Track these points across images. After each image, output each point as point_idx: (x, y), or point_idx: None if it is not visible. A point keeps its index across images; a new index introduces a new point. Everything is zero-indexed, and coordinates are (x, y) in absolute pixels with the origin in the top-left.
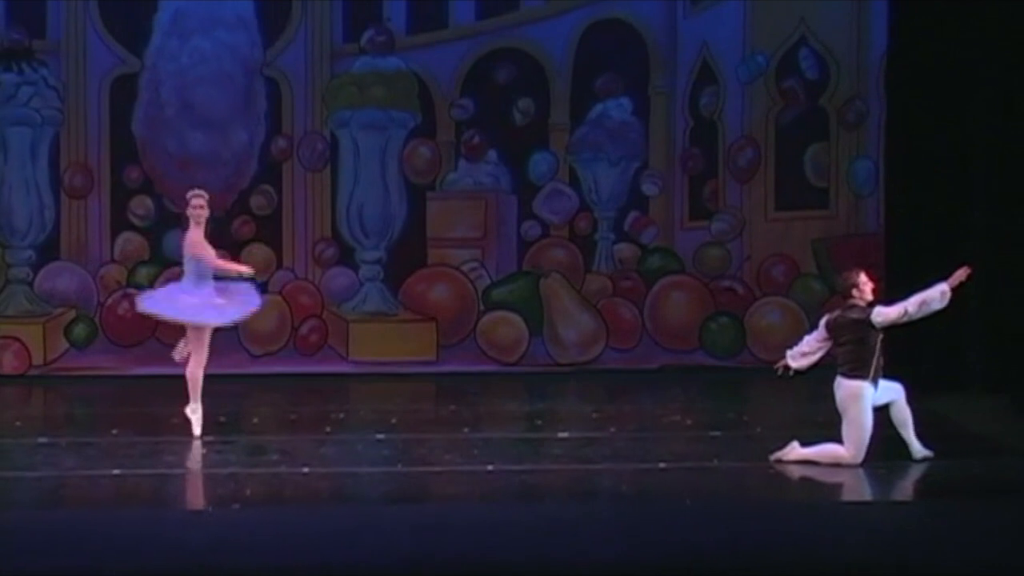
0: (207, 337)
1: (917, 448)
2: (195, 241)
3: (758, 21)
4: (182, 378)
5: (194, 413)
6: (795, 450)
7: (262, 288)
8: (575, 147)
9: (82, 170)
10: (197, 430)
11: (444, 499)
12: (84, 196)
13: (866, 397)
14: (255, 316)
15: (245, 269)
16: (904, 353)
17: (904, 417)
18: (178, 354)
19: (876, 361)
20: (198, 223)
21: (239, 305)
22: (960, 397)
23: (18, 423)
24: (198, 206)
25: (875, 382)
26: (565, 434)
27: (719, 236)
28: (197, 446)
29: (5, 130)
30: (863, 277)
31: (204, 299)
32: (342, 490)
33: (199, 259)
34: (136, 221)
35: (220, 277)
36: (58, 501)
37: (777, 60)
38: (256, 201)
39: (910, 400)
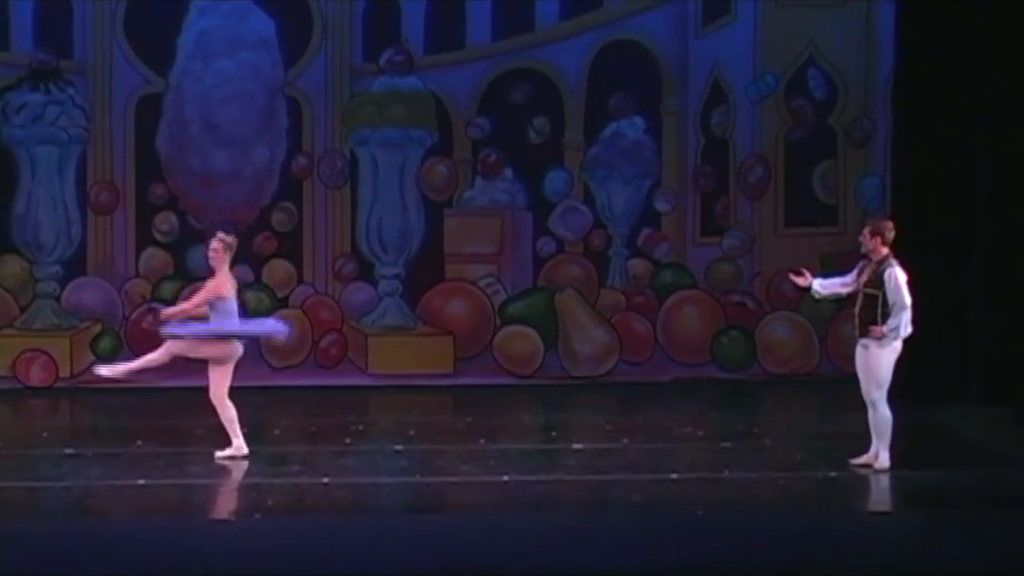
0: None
1: (864, 459)
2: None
3: (768, 42)
4: (205, 390)
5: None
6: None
7: (283, 303)
8: (589, 165)
9: (108, 187)
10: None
11: (461, 509)
12: (110, 212)
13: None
14: None
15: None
16: (908, 364)
17: (872, 422)
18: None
19: (854, 319)
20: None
21: (264, 327)
22: (962, 408)
23: (45, 434)
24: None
25: (859, 338)
26: (579, 445)
27: (730, 252)
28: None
29: (33, 148)
30: (864, 232)
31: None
32: (361, 500)
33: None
34: (160, 237)
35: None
36: (84, 511)
37: (786, 80)
38: (277, 217)
39: (896, 410)
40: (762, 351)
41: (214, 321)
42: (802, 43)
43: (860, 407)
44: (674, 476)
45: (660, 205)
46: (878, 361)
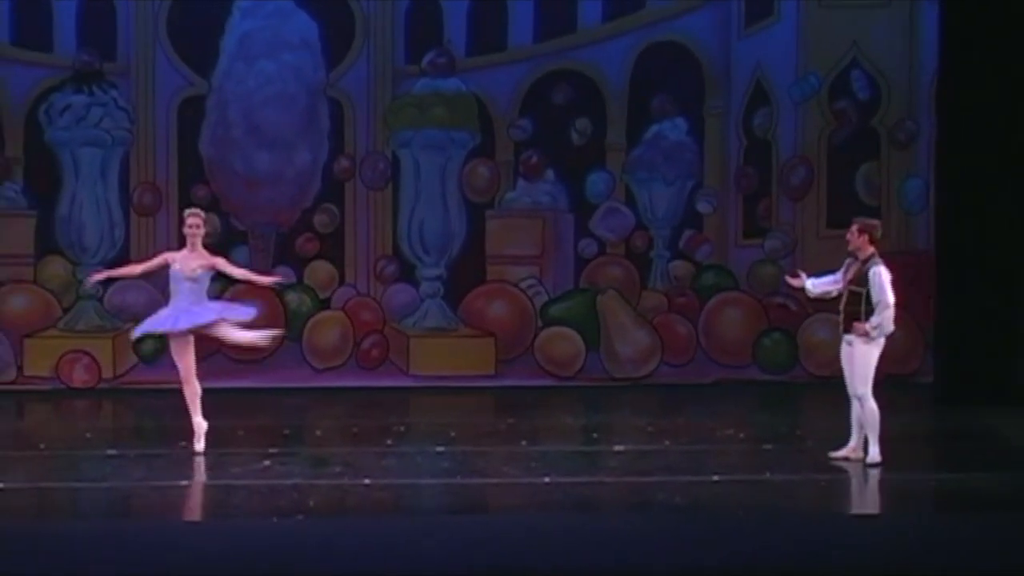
0: (183, 352)
1: (843, 452)
2: (182, 257)
3: (811, 43)
4: (248, 392)
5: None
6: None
7: (325, 304)
8: (631, 166)
9: (151, 189)
10: (198, 445)
11: (502, 510)
12: (153, 214)
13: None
14: (318, 332)
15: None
16: (955, 367)
17: (854, 416)
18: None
19: (840, 315)
20: (192, 244)
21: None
22: (1010, 412)
23: (88, 435)
24: (194, 225)
25: (844, 335)
26: (620, 447)
27: (772, 253)
28: (261, 458)
29: (76, 150)
30: (852, 229)
31: (164, 312)
32: (402, 501)
33: (195, 276)
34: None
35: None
36: (127, 511)
37: (830, 81)
38: (319, 219)
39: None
40: (804, 353)
41: (190, 297)
42: (845, 44)
43: (900, 409)
44: (715, 478)
45: (702, 206)
46: (864, 358)
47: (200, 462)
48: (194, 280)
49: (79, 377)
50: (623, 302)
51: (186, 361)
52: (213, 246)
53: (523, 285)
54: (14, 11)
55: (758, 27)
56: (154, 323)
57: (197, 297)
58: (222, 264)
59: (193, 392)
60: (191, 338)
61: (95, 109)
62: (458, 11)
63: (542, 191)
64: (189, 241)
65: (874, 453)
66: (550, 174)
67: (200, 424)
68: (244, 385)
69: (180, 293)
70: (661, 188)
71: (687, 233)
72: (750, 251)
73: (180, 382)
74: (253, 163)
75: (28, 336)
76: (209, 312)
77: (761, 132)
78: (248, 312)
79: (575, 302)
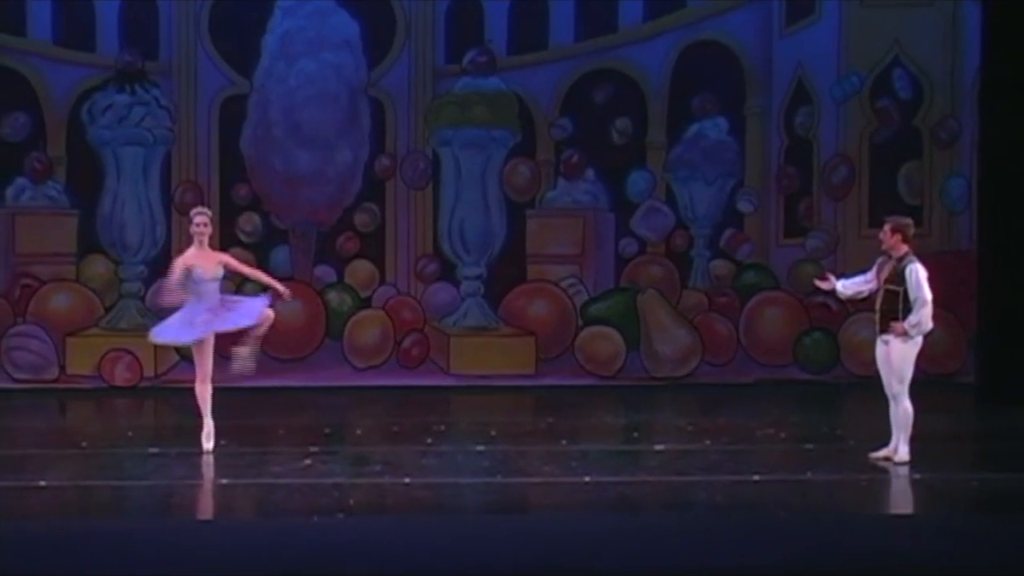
0: (205, 352)
1: (883, 452)
2: (197, 259)
3: (852, 42)
4: (288, 391)
5: (202, 429)
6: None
7: (365, 303)
8: (672, 165)
9: (192, 188)
10: (208, 444)
11: (542, 510)
12: None
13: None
14: (359, 331)
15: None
16: (997, 367)
17: (893, 416)
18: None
19: (875, 315)
20: (200, 243)
21: (232, 318)
22: None
23: (130, 433)
24: (201, 224)
25: (880, 334)
26: (661, 447)
27: (813, 253)
28: (302, 457)
29: (118, 149)
30: (884, 229)
31: (189, 315)
32: (443, 500)
33: (198, 276)
34: (244, 237)
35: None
36: (168, 509)
37: (871, 80)
38: (360, 218)
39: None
40: (845, 352)
41: (211, 298)
42: (887, 43)
43: (942, 409)
44: (756, 478)
45: (743, 206)
46: (901, 356)
47: (241, 461)
48: (216, 280)
49: (121, 375)
50: (663, 301)
51: (206, 363)
52: (255, 246)
53: (563, 284)
54: (57, 11)
55: (799, 26)
56: (171, 331)
57: (215, 297)
58: (234, 263)
59: (206, 393)
60: (211, 340)
61: (137, 108)
62: (499, 10)
63: (582, 190)
64: (197, 240)
65: (903, 452)
66: (590, 173)
67: (209, 424)
68: (285, 384)
69: (204, 294)
70: (702, 187)
71: (728, 232)
72: (791, 250)
73: (201, 381)
74: (294, 162)
75: (70, 335)
76: (224, 322)
77: (802, 131)
78: (259, 309)
79: (615, 301)
